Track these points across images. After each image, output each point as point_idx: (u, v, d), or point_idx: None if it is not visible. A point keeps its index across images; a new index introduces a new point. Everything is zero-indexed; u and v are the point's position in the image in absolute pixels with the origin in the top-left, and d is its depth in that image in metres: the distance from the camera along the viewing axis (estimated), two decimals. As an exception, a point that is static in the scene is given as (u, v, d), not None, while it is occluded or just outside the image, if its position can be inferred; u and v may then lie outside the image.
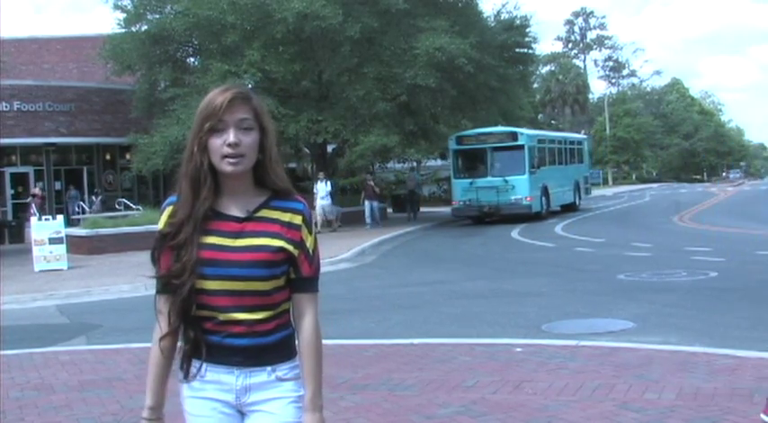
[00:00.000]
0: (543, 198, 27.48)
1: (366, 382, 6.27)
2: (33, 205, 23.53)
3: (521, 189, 26.04)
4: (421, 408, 5.46)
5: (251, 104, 2.23)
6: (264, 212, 2.27)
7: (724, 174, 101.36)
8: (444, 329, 8.71)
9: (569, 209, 31.42)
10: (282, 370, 2.28)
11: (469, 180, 26.51)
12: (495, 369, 6.49)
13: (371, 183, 26.86)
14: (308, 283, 2.32)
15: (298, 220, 2.29)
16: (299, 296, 2.32)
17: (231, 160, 2.18)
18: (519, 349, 7.25)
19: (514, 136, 26.84)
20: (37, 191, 26.87)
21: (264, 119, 2.26)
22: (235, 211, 2.26)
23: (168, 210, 2.28)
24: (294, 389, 2.29)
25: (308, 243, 2.31)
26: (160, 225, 2.28)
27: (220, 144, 2.18)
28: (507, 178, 25.93)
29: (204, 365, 2.24)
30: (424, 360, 7.00)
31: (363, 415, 5.36)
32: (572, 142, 34.77)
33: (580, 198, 33.36)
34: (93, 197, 30.71)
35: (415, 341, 7.91)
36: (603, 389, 5.68)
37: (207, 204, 2.22)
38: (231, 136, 2.18)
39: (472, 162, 27.29)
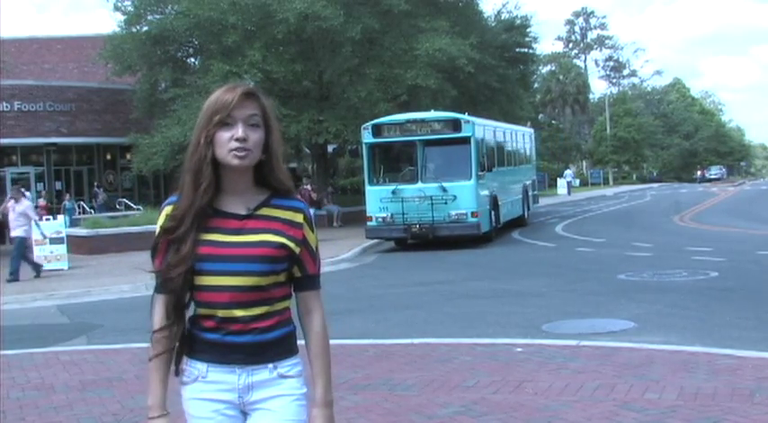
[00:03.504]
0: (492, 212, 19.98)
1: (366, 382, 6.27)
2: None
3: (465, 200, 18.40)
4: (421, 408, 5.46)
5: (259, 102, 2.27)
6: (265, 210, 2.29)
7: (699, 172, 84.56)
8: (445, 329, 8.71)
9: (516, 224, 23.65)
10: (284, 367, 2.29)
11: (391, 187, 18.74)
12: (495, 369, 6.49)
13: (308, 187, 23.21)
14: (314, 281, 2.37)
15: (299, 218, 2.32)
16: (305, 294, 2.36)
17: (239, 153, 2.21)
18: (519, 349, 7.24)
19: (456, 124, 18.84)
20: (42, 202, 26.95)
21: (270, 118, 2.29)
22: (235, 208, 2.28)
23: (167, 208, 2.29)
24: (297, 386, 2.30)
25: (311, 241, 2.35)
26: (159, 222, 2.30)
27: (228, 138, 2.21)
28: (446, 185, 18.39)
29: (206, 366, 2.26)
30: (424, 360, 7.00)
31: (364, 415, 5.36)
32: (520, 136, 27.14)
33: (529, 209, 25.83)
34: (96, 189, 30.74)
35: (416, 341, 7.91)
36: (604, 389, 5.68)
37: (207, 198, 2.23)
38: (240, 131, 2.20)
39: (395, 162, 19.86)
